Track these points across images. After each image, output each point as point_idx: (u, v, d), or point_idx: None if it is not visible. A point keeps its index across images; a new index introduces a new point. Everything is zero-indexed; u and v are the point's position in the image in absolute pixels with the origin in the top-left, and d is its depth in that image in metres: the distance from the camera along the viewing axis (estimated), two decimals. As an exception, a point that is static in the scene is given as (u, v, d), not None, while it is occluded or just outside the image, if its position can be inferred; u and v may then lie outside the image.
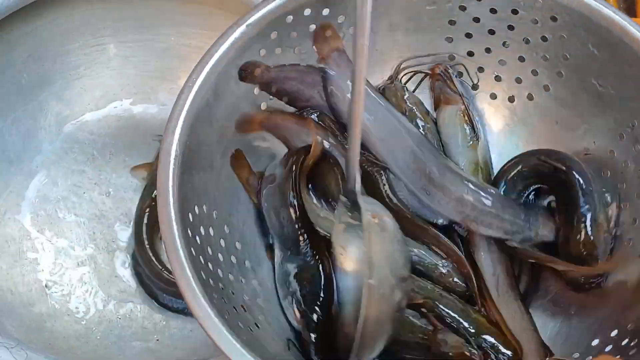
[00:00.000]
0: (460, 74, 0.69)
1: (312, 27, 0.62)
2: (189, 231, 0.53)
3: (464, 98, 0.68)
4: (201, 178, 0.58)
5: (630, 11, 0.84)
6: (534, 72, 0.66)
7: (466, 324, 0.59)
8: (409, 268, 0.56)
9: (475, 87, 0.69)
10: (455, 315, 0.59)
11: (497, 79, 0.68)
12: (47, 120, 0.81)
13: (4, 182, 0.78)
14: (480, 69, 0.68)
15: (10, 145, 0.79)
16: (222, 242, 0.59)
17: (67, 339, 0.71)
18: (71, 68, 0.81)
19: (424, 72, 0.69)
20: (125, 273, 0.76)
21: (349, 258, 0.56)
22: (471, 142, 0.67)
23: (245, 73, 0.60)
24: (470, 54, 0.68)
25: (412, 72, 0.69)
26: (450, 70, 0.68)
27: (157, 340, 0.72)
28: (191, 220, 0.54)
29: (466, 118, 0.67)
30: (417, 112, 0.68)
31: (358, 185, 0.57)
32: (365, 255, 0.52)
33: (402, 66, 0.68)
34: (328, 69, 0.63)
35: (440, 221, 0.63)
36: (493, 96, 0.69)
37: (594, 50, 0.61)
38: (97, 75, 0.83)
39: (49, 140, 0.81)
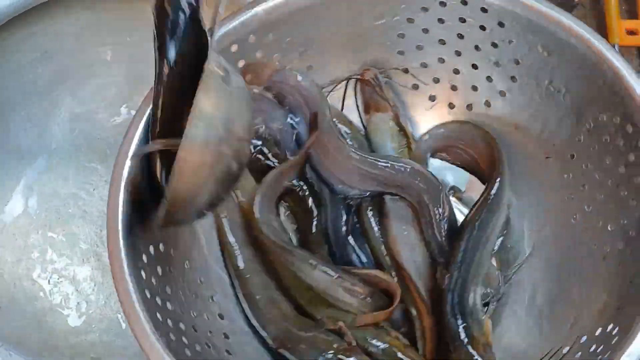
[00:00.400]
0: (415, 86, 0.68)
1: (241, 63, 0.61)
2: (143, 272, 0.53)
3: (393, 106, 0.67)
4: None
5: (631, 13, 0.84)
6: (489, 79, 0.65)
7: (379, 346, 0.59)
8: (249, 134, 0.53)
9: (415, 86, 0.69)
10: (367, 339, 0.59)
11: (454, 88, 0.68)
12: (61, 116, 0.82)
13: (15, 176, 0.79)
14: (436, 80, 0.68)
15: (23, 140, 0.80)
16: (181, 279, 0.58)
17: (66, 335, 0.73)
18: (86, 66, 0.81)
19: (354, 77, 0.68)
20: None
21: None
22: (401, 150, 0.67)
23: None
24: (424, 65, 0.67)
25: (344, 79, 0.68)
26: (380, 76, 0.67)
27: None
28: (145, 261, 0.54)
29: (397, 126, 0.67)
30: (339, 124, 0.67)
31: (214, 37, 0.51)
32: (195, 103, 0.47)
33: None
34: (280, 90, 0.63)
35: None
36: (451, 105, 0.68)
37: (544, 52, 0.60)
38: (111, 74, 0.83)
39: (62, 137, 0.81)
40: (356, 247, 0.64)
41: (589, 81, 0.58)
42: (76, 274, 0.76)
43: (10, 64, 0.77)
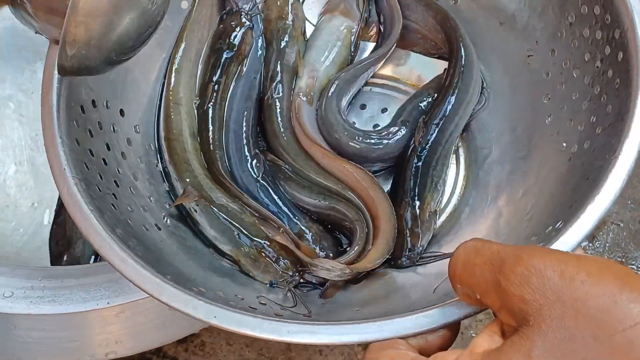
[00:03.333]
0: None
1: None
2: (76, 122, 0.51)
3: (361, 21, 0.64)
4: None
5: None
6: (475, -32, 0.62)
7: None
8: None
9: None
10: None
11: (441, -22, 0.64)
12: (2, 15, 0.77)
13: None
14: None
15: (-41, 35, 0.76)
16: (127, 140, 0.57)
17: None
18: None
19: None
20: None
21: None
22: (340, 60, 0.63)
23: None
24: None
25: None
26: None
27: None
28: (84, 114, 0.53)
29: (352, 38, 0.63)
30: (290, 27, 0.63)
31: None
32: None
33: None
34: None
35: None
36: (436, -2, 0.65)
37: None
38: None
39: (2, 37, 0.78)
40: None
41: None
42: (7, 177, 0.73)
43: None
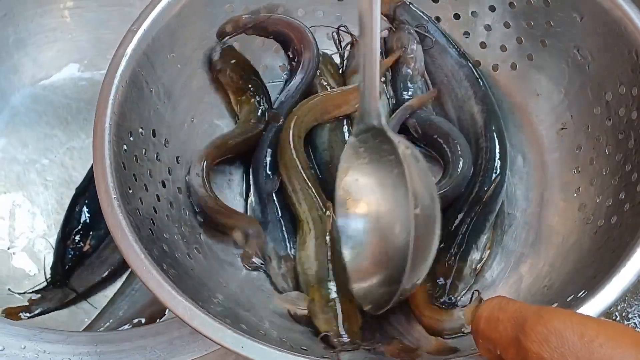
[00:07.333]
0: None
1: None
2: (125, 146, 0.53)
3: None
4: (152, 107, 0.58)
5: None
6: (519, 40, 0.64)
7: None
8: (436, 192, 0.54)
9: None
10: None
11: (482, 45, 0.66)
12: (21, 81, 0.80)
13: (-29, 140, 0.77)
14: (466, 34, 0.66)
15: (-19, 104, 0.78)
16: (168, 170, 0.58)
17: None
18: (47, 30, 0.80)
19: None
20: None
21: (359, 201, 0.55)
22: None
23: (223, 33, 0.63)
24: (457, 16, 0.66)
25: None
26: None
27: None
28: (132, 139, 0.54)
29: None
30: None
31: (384, 119, 0.54)
32: (409, 187, 0.50)
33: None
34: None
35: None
36: (477, 63, 0.67)
37: (576, 16, 0.58)
38: (74, 39, 0.81)
39: (22, 102, 0.80)
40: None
41: (616, 51, 0.56)
42: (36, 243, 0.73)
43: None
